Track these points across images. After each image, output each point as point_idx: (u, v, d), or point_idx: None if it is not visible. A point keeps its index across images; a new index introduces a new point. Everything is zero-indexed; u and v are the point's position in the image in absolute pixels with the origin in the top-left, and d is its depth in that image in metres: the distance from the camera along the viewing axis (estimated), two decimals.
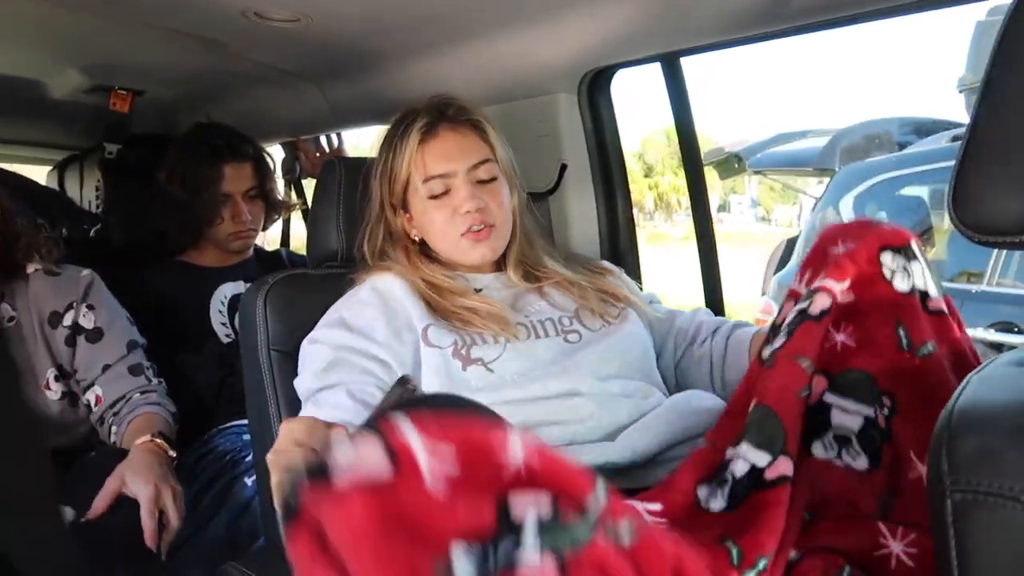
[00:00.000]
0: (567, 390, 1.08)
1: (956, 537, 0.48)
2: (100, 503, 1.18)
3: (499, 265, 1.27)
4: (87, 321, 1.44)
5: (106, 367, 1.43)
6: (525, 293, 1.23)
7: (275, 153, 2.16)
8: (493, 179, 1.21)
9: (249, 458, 1.49)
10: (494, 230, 1.19)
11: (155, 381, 1.47)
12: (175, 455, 1.32)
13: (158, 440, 1.31)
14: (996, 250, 2.75)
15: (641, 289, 1.38)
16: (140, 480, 1.20)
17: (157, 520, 1.18)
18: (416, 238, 1.25)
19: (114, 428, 1.40)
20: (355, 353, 1.10)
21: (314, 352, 1.13)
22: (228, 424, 1.62)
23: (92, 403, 1.43)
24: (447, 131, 1.20)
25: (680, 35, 1.36)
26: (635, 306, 1.25)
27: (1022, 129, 0.55)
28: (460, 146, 1.20)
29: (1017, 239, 0.56)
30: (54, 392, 1.41)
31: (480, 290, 1.22)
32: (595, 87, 1.59)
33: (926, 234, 3.42)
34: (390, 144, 1.22)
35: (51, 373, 1.41)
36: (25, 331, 1.40)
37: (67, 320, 1.42)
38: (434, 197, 1.19)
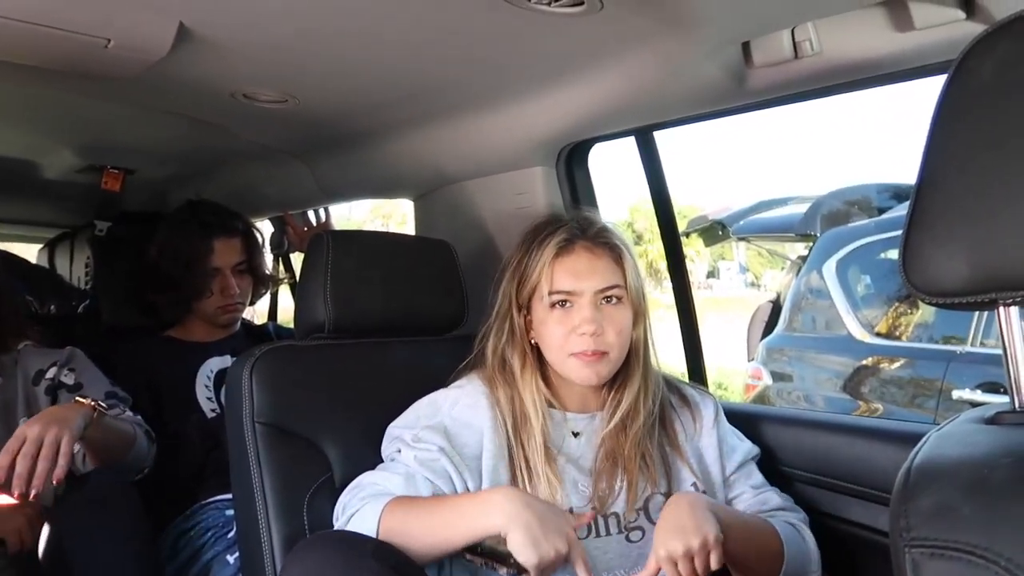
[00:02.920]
0: None
1: None
2: (8, 445, 1.17)
3: (607, 394, 1.26)
4: (68, 379, 1.51)
5: None
6: (609, 464, 1.21)
7: (264, 228, 2.20)
8: (618, 304, 1.21)
9: (232, 534, 1.47)
10: (605, 357, 1.19)
11: (130, 413, 1.51)
12: (105, 409, 1.34)
13: (92, 401, 1.32)
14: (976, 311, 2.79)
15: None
16: (37, 420, 1.21)
17: (12, 458, 1.15)
18: (533, 342, 1.25)
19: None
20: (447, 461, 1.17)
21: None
22: (211, 499, 1.61)
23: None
24: (583, 250, 1.21)
25: (651, 111, 1.43)
26: (710, 484, 1.26)
27: (962, 196, 0.59)
28: (592, 267, 1.20)
29: (963, 299, 0.59)
30: None
31: (578, 434, 1.24)
32: (573, 160, 1.64)
33: (910, 297, 3.46)
34: (528, 247, 1.24)
35: (23, 421, 1.40)
36: (8, 394, 1.46)
37: (49, 374, 1.50)
38: (555, 309, 1.20)
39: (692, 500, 1.10)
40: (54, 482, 1.19)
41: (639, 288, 1.24)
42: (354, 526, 1.09)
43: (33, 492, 1.16)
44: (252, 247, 1.89)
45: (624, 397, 1.23)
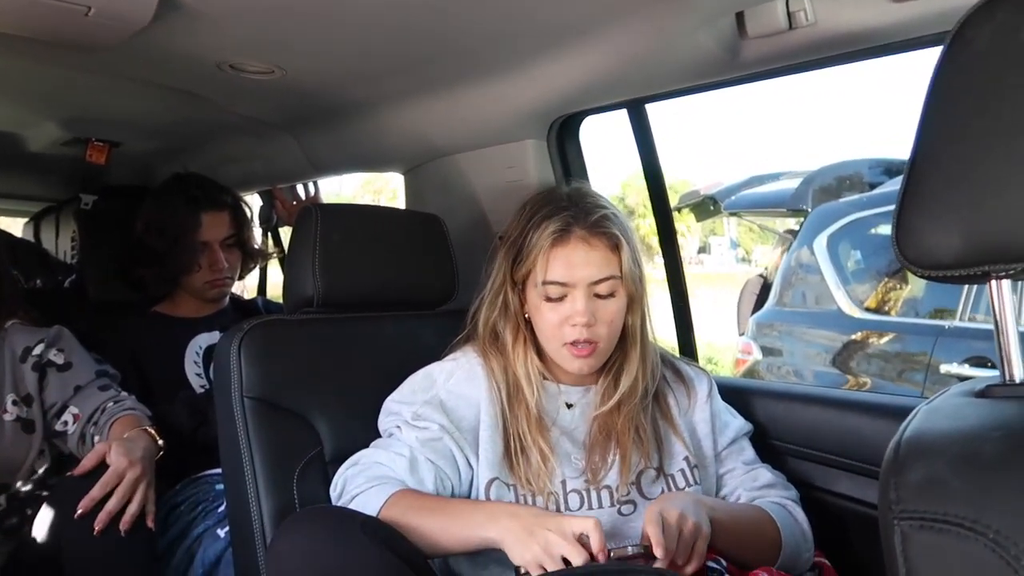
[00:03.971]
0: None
1: (905, 564, 0.49)
2: (88, 461, 1.29)
3: (601, 372, 1.26)
4: (57, 358, 1.52)
5: (78, 388, 1.50)
6: (602, 437, 1.22)
7: (252, 202, 2.18)
8: (611, 296, 1.20)
9: (222, 508, 1.47)
10: (597, 348, 1.19)
11: (124, 393, 1.53)
12: (163, 444, 1.42)
13: (149, 429, 1.40)
14: (966, 285, 2.81)
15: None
16: (123, 453, 1.29)
17: (107, 494, 1.24)
18: (527, 316, 1.25)
19: (96, 438, 1.43)
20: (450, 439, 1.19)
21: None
22: (201, 474, 1.61)
23: (70, 423, 1.47)
24: (579, 240, 1.18)
25: (643, 83, 1.41)
26: (702, 459, 1.27)
27: (957, 168, 0.58)
28: (587, 259, 1.18)
29: (956, 272, 0.58)
30: (9, 414, 1.45)
31: (571, 406, 1.25)
32: (564, 133, 1.63)
33: (899, 272, 3.48)
34: (525, 224, 1.22)
35: (11, 397, 1.46)
36: None
37: (36, 351, 1.50)
38: (549, 300, 1.20)
39: (690, 495, 1.13)
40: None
41: (636, 273, 1.22)
42: (356, 507, 1.10)
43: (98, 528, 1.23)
44: (240, 221, 1.88)
45: (622, 381, 1.23)
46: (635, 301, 1.23)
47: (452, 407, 1.22)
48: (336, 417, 1.31)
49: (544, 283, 1.19)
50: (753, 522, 1.17)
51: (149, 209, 1.84)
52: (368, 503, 1.10)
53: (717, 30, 1.19)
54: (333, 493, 1.18)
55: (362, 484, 1.13)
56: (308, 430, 1.29)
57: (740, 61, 1.24)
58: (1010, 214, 0.55)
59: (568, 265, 1.18)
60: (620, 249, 1.19)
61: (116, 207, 2.18)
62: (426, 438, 1.18)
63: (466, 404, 1.22)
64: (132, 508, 1.26)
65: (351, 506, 1.11)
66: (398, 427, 1.21)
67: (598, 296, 1.19)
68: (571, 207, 1.21)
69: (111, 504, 1.24)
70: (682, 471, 1.23)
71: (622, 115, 1.59)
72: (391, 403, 1.26)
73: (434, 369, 1.27)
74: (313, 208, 1.38)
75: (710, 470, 1.27)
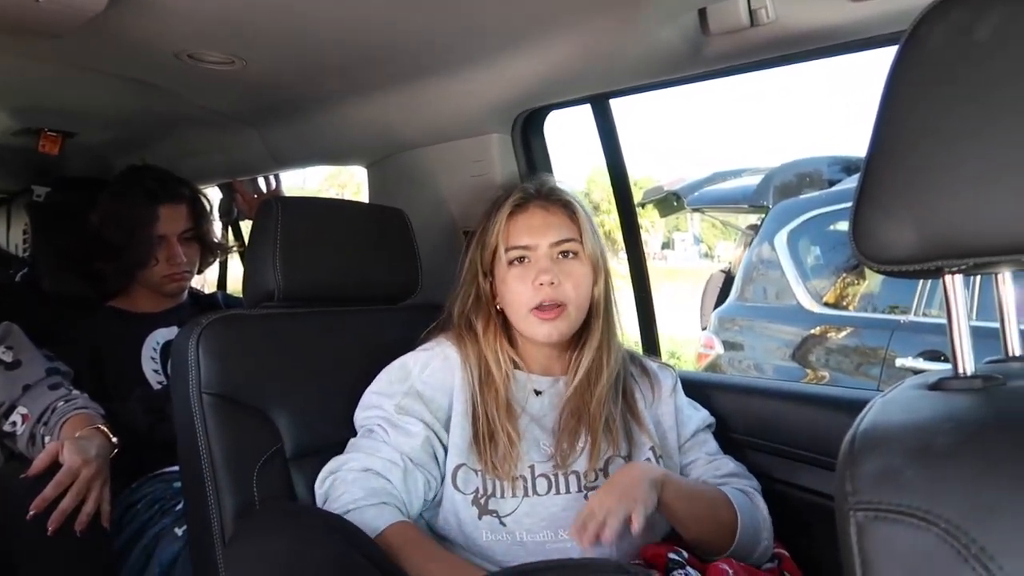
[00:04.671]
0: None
1: (860, 554, 0.49)
2: (40, 462, 1.24)
3: (570, 354, 1.29)
4: (6, 356, 1.47)
5: (27, 387, 1.44)
6: (572, 423, 1.23)
7: (212, 195, 2.14)
8: (574, 259, 1.25)
9: (180, 507, 1.44)
10: (564, 311, 1.22)
11: (76, 392, 1.47)
12: (117, 442, 1.36)
13: (102, 427, 1.36)
14: (920, 281, 2.87)
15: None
16: (76, 451, 1.25)
17: (59, 494, 1.21)
18: (499, 307, 1.29)
19: (47, 439, 1.38)
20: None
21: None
22: (158, 471, 1.57)
23: (19, 423, 1.41)
24: (537, 207, 1.26)
25: (607, 78, 1.41)
26: (667, 450, 1.28)
27: (911, 165, 0.59)
28: (547, 222, 1.25)
29: (910, 267, 0.59)
30: None
31: (540, 393, 1.27)
32: (528, 128, 1.63)
33: (857, 268, 3.55)
34: (489, 214, 1.29)
35: None
36: None
37: None
38: (514, 266, 1.24)
39: (643, 470, 1.13)
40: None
41: (596, 246, 1.27)
42: (350, 519, 1.09)
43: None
44: (199, 214, 1.84)
45: (586, 355, 1.26)
46: (598, 273, 1.27)
47: (430, 397, 1.24)
48: (297, 413, 1.30)
49: (508, 249, 1.24)
50: (711, 501, 1.19)
51: (105, 202, 1.79)
52: (364, 524, 1.09)
53: (680, 26, 1.21)
54: (319, 491, 1.18)
55: (359, 499, 1.13)
56: (268, 427, 1.27)
57: (703, 57, 1.25)
58: (962, 210, 0.56)
59: (529, 229, 1.25)
60: (577, 215, 1.26)
61: (71, 199, 2.12)
62: (414, 445, 1.20)
63: (442, 393, 1.24)
64: (87, 507, 1.23)
65: (345, 516, 1.10)
66: (382, 427, 1.22)
67: (562, 256, 1.24)
68: (528, 185, 1.30)
69: (65, 503, 1.20)
70: (648, 460, 1.24)
71: (587, 111, 1.59)
72: (370, 396, 1.27)
73: (408, 360, 1.28)
74: (274, 201, 1.36)
75: (675, 460, 1.29)
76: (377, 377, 1.28)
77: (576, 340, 1.29)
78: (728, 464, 1.30)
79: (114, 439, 1.37)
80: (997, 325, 0.67)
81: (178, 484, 1.47)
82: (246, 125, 1.88)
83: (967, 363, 0.60)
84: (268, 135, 1.91)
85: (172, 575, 1.37)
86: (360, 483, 1.15)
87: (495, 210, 1.28)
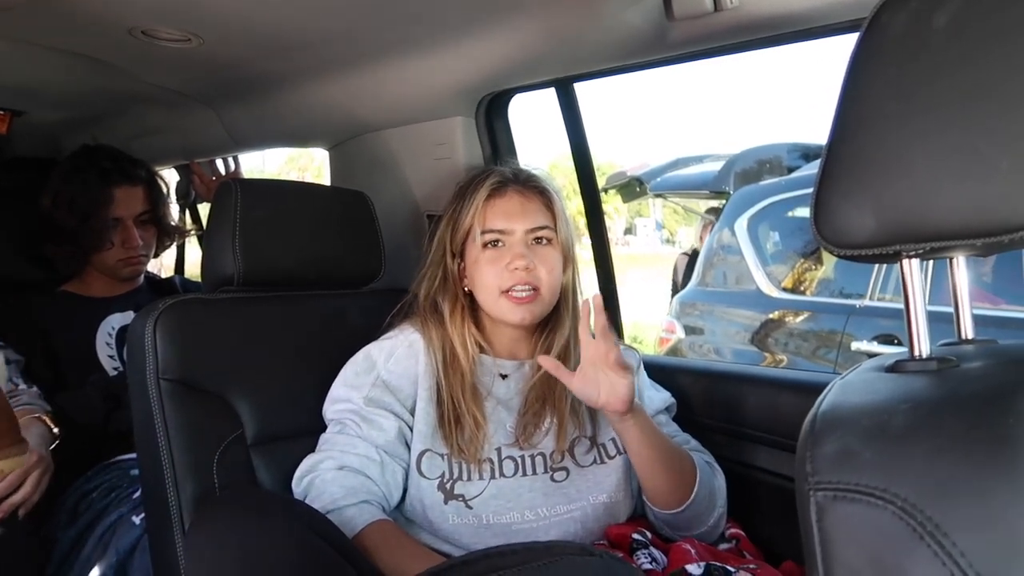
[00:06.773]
0: (541, 519, 1.16)
1: (820, 533, 0.50)
2: None
3: (538, 339, 1.30)
4: None
5: None
6: (537, 406, 1.25)
7: (169, 177, 2.09)
8: (548, 246, 1.26)
9: (137, 494, 1.41)
10: (537, 295, 1.23)
11: (24, 386, 1.43)
12: (58, 432, 1.34)
13: (43, 416, 1.33)
14: (875, 266, 2.93)
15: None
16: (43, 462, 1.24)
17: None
18: (467, 289, 1.28)
19: None
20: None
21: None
22: (115, 459, 1.54)
23: None
24: (514, 192, 1.26)
25: (571, 62, 1.41)
26: None
27: (870, 150, 0.60)
28: (524, 208, 1.25)
29: (869, 251, 0.60)
30: None
31: (506, 376, 1.27)
32: (492, 111, 1.62)
33: (815, 254, 3.61)
34: (462, 195, 1.29)
35: None
36: None
37: None
38: (488, 249, 1.24)
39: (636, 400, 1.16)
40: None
41: (569, 235, 1.29)
42: (332, 519, 1.08)
43: None
44: (156, 196, 1.80)
45: (555, 341, 1.28)
46: (568, 261, 1.29)
47: (396, 386, 1.23)
48: (258, 399, 1.28)
49: (483, 232, 1.24)
50: (674, 449, 1.21)
51: (56, 183, 1.74)
52: (343, 524, 1.08)
53: (645, 10, 1.20)
54: (296, 491, 1.17)
55: (338, 498, 1.12)
56: (228, 412, 1.25)
57: (667, 41, 1.25)
58: (919, 195, 0.57)
59: (506, 213, 1.25)
60: (553, 205, 1.27)
61: (20, 180, 2.05)
62: (388, 437, 1.19)
63: (406, 381, 1.24)
64: (33, 498, 1.20)
65: (327, 515, 1.09)
66: (353, 421, 1.21)
67: (536, 242, 1.24)
68: (506, 170, 1.30)
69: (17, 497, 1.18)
70: (613, 439, 1.26)
71: (551, 95, 1.59)
72: (338, 389, 1.26)
73: (372, 350, 1.27)
74: (233, 183, 1.34)
75: None
76: (343, 369, 1.27)
77: (543, 325, 1.30)
78: (691, 441, 1.32)
79: (55, 429, 1.33)
80: (948, 309, 0.68)
81: (135, 471, 1.45)
82: (204, 105, 1.83)
83: (923, 346, 0.61)
84: (227, 116, 1.86)
85: (130, 563, 1.34)
86: (339, 482, 1.14)
87: (472, 191, 1.27)
